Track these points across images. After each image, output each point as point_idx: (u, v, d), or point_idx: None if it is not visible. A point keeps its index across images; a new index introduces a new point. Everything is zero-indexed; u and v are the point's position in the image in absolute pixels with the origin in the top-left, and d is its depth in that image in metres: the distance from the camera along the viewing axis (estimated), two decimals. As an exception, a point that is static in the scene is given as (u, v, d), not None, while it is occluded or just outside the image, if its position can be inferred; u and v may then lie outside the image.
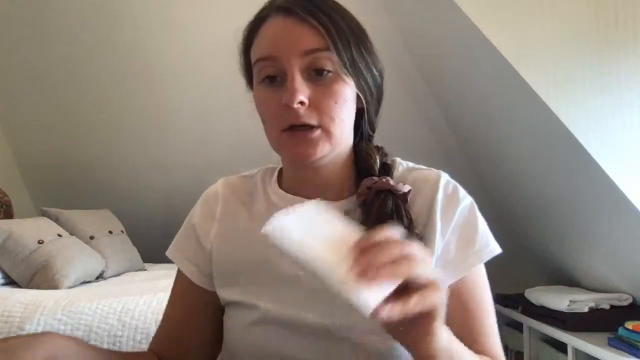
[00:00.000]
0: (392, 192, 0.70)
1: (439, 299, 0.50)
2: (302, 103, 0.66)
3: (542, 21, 1.74)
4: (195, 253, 0.79)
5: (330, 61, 0.67)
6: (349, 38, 0.68)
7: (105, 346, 1.75)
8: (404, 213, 0.69)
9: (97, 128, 3.11)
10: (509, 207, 2.70)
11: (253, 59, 0.72)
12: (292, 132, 0.67)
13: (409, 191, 0.71)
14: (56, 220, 2.69)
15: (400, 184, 0.71)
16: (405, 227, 0.68)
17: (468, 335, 0.65)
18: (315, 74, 0.67)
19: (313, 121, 0.67)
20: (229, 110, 2.89)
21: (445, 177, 0.74)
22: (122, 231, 3.02)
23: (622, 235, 1.97)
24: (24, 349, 0.56)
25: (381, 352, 0.67)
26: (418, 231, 0.70)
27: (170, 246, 0.82)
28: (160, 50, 2.76)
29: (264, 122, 0.72)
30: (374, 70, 0.72)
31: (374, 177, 0.71)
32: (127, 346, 1.75)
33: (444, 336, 0.54)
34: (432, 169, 0.77)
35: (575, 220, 2.20)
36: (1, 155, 3.22)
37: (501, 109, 2.16)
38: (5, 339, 0.58)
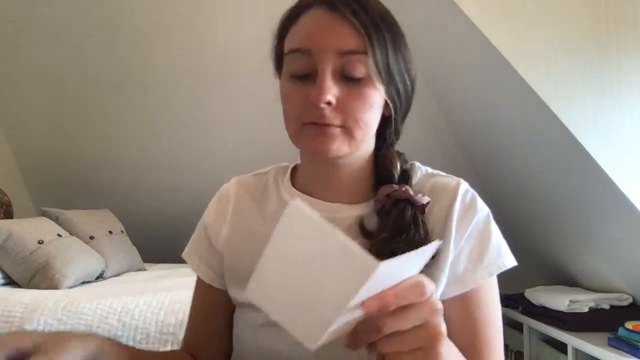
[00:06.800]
0: (410, 202, 0.68)
1: (440, 323, 0.48)
2: (328, 103, 0.64)
3: (542, 21, 1.74)
4: (208, 254, 0.79)
5: (364, 65, 0.64)
6: (387, 43, 0.66)
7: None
8: (420, 225, 0.67)
9: (97, 128, 3.11)
10: (509, 207, 2.69)
11: (287, 48, 0.69)
12: (313, 125, 0.65)
13: (428, 202, 0.69)
14: (56, 220, 2.69)
15: (420, 195, 0.69)
16: (421, 239, 0.66)
17: (468, 353, 0.63)
18: (347, 76, 0.65)
19: (336, 122, 0.65)
20: (231, 110, 2.90)
21: (464, 186, 0.72)
22: (122, 231, 3.01)
23: (622, 235, 1.97)
24: (63, 348, 0.55)
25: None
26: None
27: (186, 247, 0.83)
28: (162, 52, 2.76)
29: (284, 112, 0.70)
30: (407, 77, 0.70)
31: (393, 185, 0.69)
32: (127, 346, 1.75)
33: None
34: (452, 176, 0.75)
35: (576, 220, 2.20)
36: (1, 155, 3.22)
37: (501, 108, 2.16)
38: (40, 334, 0.57)
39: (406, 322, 0.46)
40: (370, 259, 0.41)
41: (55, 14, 2.66)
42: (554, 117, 1.75)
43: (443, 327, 0.48)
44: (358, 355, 0.66)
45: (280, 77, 0.73)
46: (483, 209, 0.72)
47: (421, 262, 0.49)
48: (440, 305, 0.48)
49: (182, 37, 2.69)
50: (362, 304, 0.44)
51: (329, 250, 0.43)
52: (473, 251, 0.69)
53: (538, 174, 2.25)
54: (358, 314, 0.45)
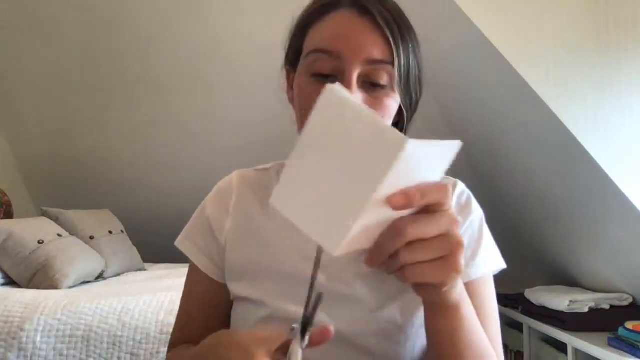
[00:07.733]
0: None
1: (458, 233, 0.49)
2: None
3: (542, 21, 1.74)
4: (207, 244, 0.77)
5: (388, 75, 0.65)
6: (410, 54, 0.67)
7: (105, 346, 1.75)
8: None
9: (97, 128, 3.11)
10: (509, 207, 2.69)
11: (309, 46, 0.67)
12: None
13: None
14: (56, 220, 2.69)
15: None
16: None
17: None
18: (370, 84, 0.65)
19: None
20: (231, 110, 2.90)
21: (460, 187, 0.74)
22: (122, 231, 3.02)
23: (622, 235, 1.97)
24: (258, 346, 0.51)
25: (388, 357, 0.66)
26: None
27: (180, 236, 0.80)
28: (161, 53, 2.76)
29: (300, 109, 0.69)
30: (418, 85, 0.71)
31: None
32: (127, 346, 1.75)
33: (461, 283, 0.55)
34: (450, 177, 0.75)
35: (576, 220, 2.20)
36: (1, 155, 3.23)
37: (501, 108, 2.16)
38: (231, 333, 0.56)
39: (429, 228, 0.47)
40: (400, 135, 0.39)
41: (55, 13, 2.67)
42: (554, 117, 1.75)
43: (463, 239, 0.49)
44: (357, 357, 0.67)
45: (292, 70, 0.72)
46: (478, 210, 0.73)
47: (441, 165, 0.49)
48: (458, 218, 0.50)
49: (183, 38, 2.69)
50: (388, 199, 0.43)
51: (359, 132, 0.41)
52: (466, 249, 0.70)
53: (538, 174, 2.25)
54: (382, 216, 0.44)
